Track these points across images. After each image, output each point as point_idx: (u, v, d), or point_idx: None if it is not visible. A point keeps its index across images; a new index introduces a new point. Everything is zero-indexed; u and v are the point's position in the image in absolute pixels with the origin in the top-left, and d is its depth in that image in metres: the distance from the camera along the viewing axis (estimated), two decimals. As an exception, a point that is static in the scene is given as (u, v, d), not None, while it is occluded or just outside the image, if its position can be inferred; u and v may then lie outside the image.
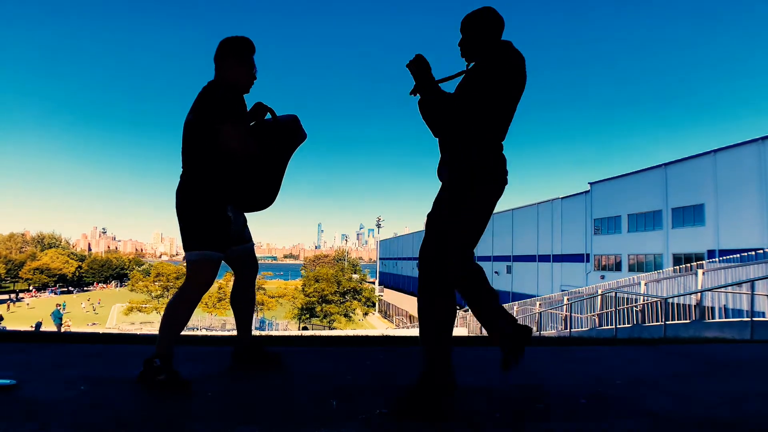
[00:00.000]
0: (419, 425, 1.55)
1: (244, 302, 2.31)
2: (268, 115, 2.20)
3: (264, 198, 2.20)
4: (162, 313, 2.21)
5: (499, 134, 1.84)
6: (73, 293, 58.54)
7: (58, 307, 22.89)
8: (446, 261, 1.76)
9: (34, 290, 56.67)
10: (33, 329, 19.27)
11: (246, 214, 2.32)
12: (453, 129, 1.83)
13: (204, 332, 20.39)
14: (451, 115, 1.81)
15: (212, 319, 31.02)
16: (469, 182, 1.78)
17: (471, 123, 1.78)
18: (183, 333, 2.39)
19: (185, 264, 2.04)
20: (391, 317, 43.46)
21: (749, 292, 7.42)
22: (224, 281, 31.82)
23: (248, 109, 2.17)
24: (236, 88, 2.04)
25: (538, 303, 15.92)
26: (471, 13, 1.91)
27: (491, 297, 1.84)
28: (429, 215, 1.89)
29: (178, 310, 2.00)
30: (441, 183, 1.94)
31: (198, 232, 1.99)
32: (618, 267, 30.99)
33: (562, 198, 37.10)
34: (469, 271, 1.82)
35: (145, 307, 32.42)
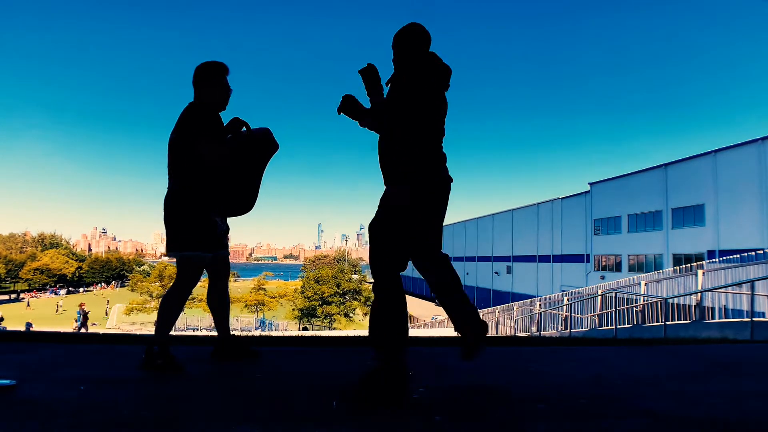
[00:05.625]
0: (419, 424, 1.55)
1: (220, 304, 2.51)
2: (244, 129, 2.39)
3: (243, 203, 2.42)
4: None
5: (428, 138, 1.92)
6: (67, 293, 58.45)
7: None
8: (376, 261, 1.89)
9: (35, 290, 56.68)
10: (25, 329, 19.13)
11: (237, 219, 2.53)
12: (389, 134, 1.96)
13: (204, 332, 20.41)
14: (385, 121, 1.97)
15: (212, 320, 31.07)
16: (396, 184, 1.91)
17: (398, 129, 1.91)
18: (184, 334, 2.43)
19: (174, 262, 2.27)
20: (391, 317, 43.36)
21: (749, 293, 7.41)
22: None
23: (225, 124, 2.37)
24: (211, 107, 2.29)
25: (538, 303, 15.90)
26: (399, 30, 2.04)
27: (454, 296, 1.98)
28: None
29: (171, 304, 2.26)
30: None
31: (186, 235, 2.21)
32: (618, 267, 30.99)
33: (562, 198, 37.11)
34: (429, 267, 1.98)
35: (146, 307, 32.38)
